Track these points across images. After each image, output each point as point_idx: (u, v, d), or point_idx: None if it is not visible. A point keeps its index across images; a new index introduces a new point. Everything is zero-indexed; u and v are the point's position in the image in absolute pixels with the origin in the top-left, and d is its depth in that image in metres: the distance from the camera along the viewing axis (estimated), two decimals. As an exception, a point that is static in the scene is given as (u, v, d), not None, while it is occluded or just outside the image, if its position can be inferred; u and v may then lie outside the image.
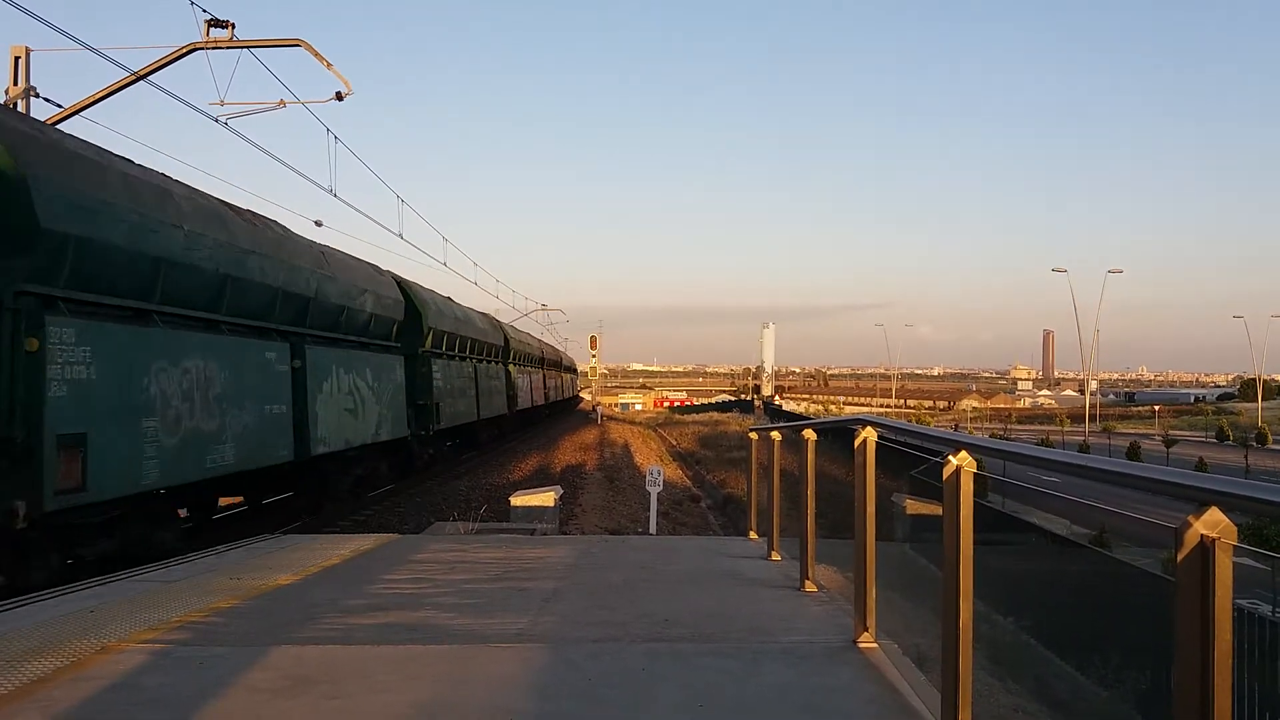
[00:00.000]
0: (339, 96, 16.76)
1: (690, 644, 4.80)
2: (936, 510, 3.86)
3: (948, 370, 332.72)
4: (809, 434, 6.38)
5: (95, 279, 8.34)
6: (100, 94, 15.30)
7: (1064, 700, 9.37)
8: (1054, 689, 9.50)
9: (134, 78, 14.94)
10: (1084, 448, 52.87)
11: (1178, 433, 64.53)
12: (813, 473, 6.29)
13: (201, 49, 15.46)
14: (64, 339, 7.69)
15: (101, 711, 3.71)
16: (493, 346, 29.20)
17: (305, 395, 12.72)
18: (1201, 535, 2.00)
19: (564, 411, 61.48)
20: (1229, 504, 2.00)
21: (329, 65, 16.44)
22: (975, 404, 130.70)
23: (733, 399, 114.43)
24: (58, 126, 12.67)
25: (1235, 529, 2.00)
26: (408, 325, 18.98)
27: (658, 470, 16.04)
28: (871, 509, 4.71)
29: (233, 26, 15.54)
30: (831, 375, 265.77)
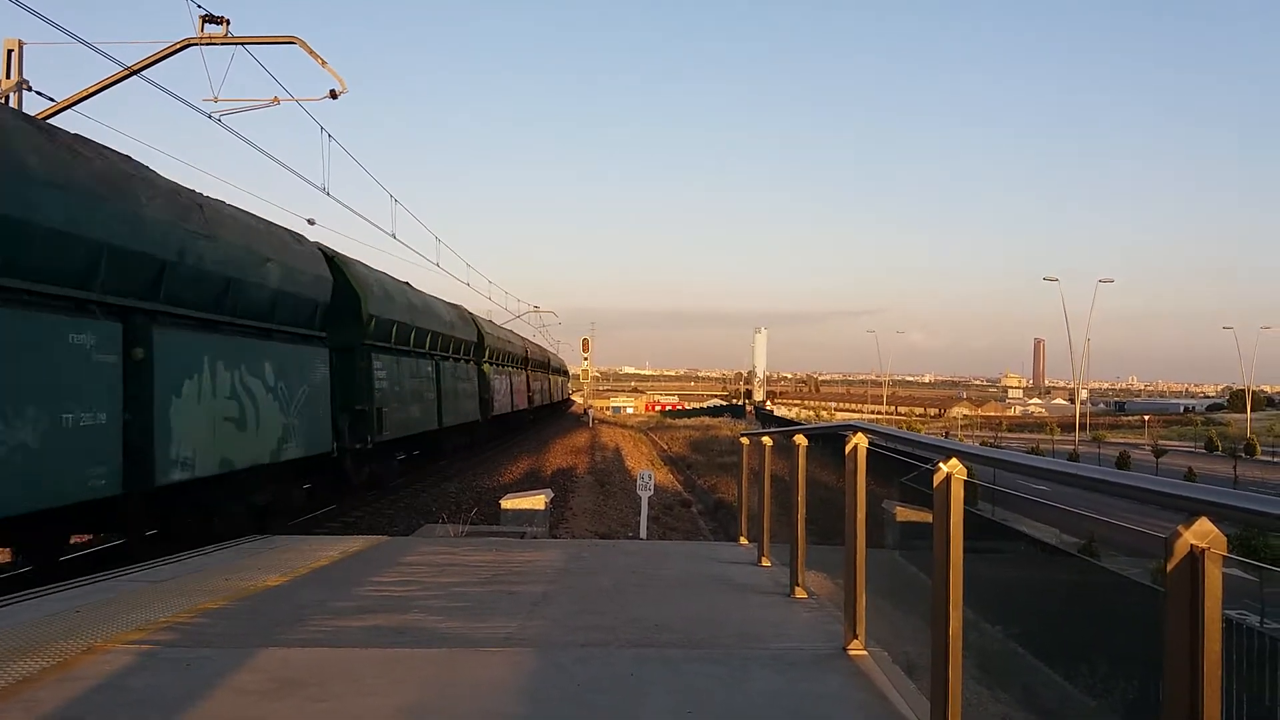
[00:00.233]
0: (333, 95, 16.75)
1: (679, 649, 4.79)
2: (927, 517, 3.86)
3: (939, 377, 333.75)
4: (800, 440, 6.38)
5: None
6: (93, 88, 15.26)
7: (1052, 709, 9.38)
8: (1042, 698, 9.51)
9: (128, 72, 14.91)
10: (1074, 456, 52.98)
11: (1167, 443, 64.66)
12: (803, 479, 6.29)
13: (196, 45, 15.44)
14: None
15: (88, 712, 3.68)
16: (463, 343, 25.70)
17: (150, 399, 9.22)
18: (1191, 545, 2.01)
19: (554, 416, 61.19)
20: (1218, 514, 2.01)
21: (324, 63, 16.44)
22: (966, 411, 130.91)
23: (724, 404, 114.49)
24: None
25: (1225, 539, 2.00)
26: (341, 311, 15.38)
27: (649, 474, 16.02)
28: (862, 515, 4.71)
29: (228, 23, 15.54)
30: (823, 381, 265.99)
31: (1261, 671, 7.24)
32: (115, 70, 14.82)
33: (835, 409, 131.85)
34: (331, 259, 15.65)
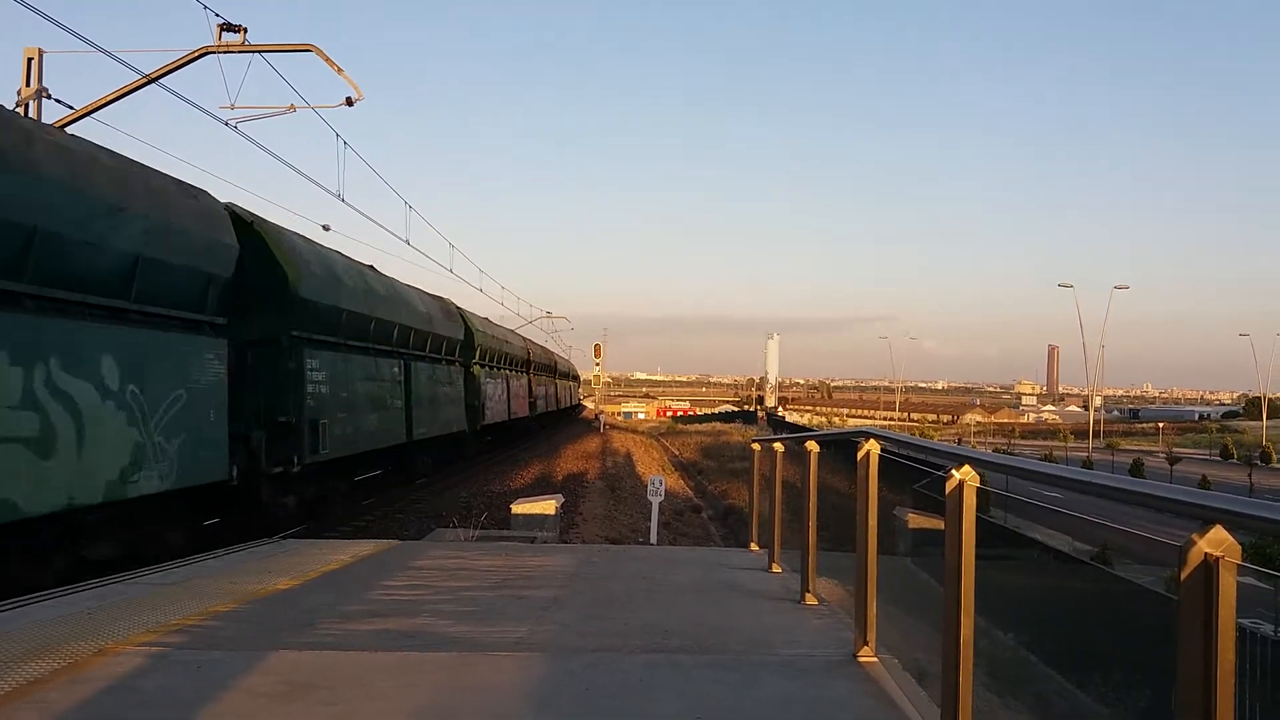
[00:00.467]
0: (349, 102, 16.83)
1: (689, 655, 4.78)
2: (939, 524, 3.85)
3: (952, 384, 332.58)
4: (812, 446, 6.37)
5: None
6: (112, 96, 15.36)
7: (1064, 717, 9.32)
8: (1054, 706, 9.45)
9: (146, 80, 15.02)
10: (1087, 464, 52.75)
11: (1182, 450, 64.35)
12: (815, 485, 6.27)
13: (213, 52, 15.53)
14: None
15: (98, 714, 3.70)
16: (445, 340, 22.39)
17: None
18: (1205, 554, 1.99)
19: (563, 422, 60.91)
20: (1233, 522, 1.99)
21: (340, 71, 16.52)
22: (979, 418, 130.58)
23: (736, 410, 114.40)
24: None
25: (1239, 548, 1.98)
26: (257, 292, 12.19)
27: (659, 480, 16.02)
28: (874, 522, 4.70)
29: (245, 31, 15.62)
30: (835, 387, 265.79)
31: (1276, 681, 7.18)
32: (134, 78, 14.94)
33: (848, 415, 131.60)
34: (249, 224, 12.36)
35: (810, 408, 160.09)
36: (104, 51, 12.80)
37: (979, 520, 3.37)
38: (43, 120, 12.99)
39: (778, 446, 8.13)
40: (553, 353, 56.38)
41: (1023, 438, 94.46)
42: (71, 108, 14.96)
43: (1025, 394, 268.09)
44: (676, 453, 44.85)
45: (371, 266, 18.07)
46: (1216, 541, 1.99)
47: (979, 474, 3.35)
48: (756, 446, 10.22)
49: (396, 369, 18.00)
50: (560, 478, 25.94)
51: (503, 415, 30.74)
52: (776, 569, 7.61)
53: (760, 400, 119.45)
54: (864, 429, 4.97)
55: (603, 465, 31.38)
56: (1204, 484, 38.07)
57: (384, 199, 25.99)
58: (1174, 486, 2.43)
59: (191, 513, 11.01)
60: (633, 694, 4.12)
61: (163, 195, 9.91)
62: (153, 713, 3.73)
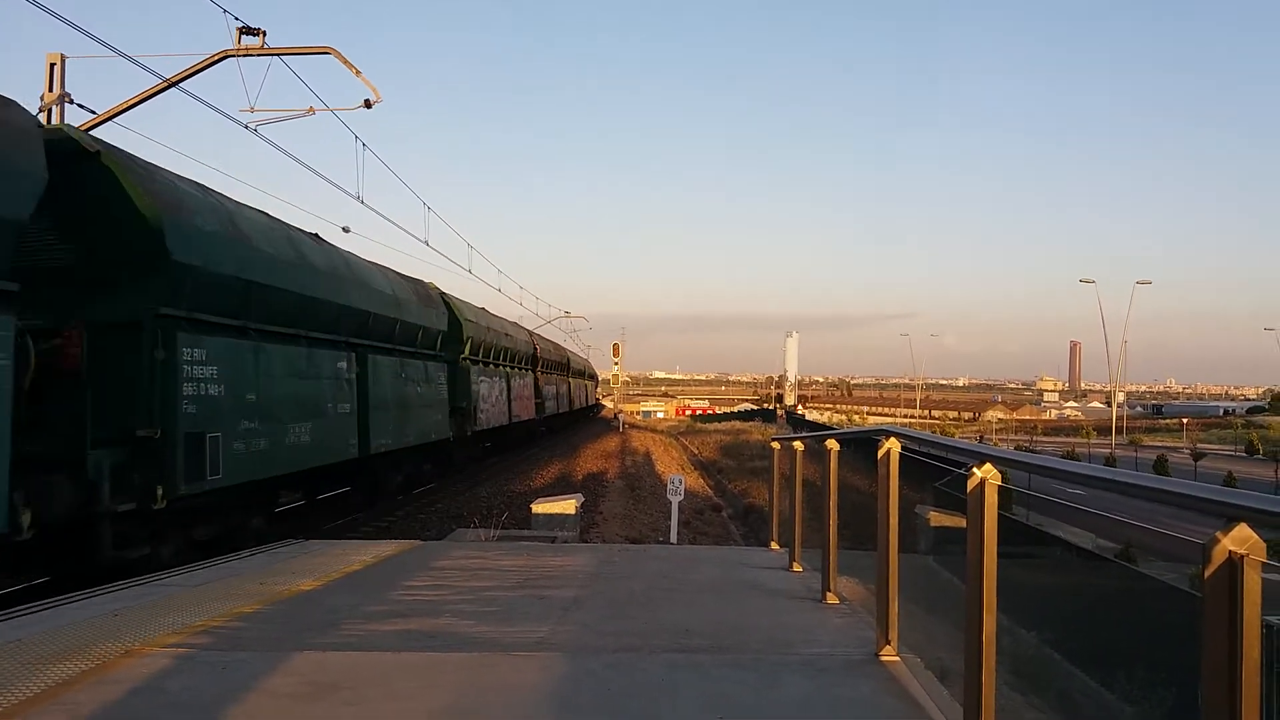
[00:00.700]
0: (368, 104, 16.91)
1: (710, 655, 4.78)
2: (961, 522, 3.83)
3: (973, 381, 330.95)
4: (832, 444, 6.35)
5: None
6: (133, 100, 15.51)
7: (1088, 716, 9.26)
8: (1078, 704, 9.39)
9: (167, 84, 15.15)
10: (1110, 460, 52.34)
11: (1206, 446, 63.70)
12: (835, 483, 6.26)
13: (233, 56, 15.65)
14: None
15: (126, 715, 3.74)
16: (420, 330, 18.64)
17: None
18: (1230, 551, 1.98)
19: (581, 422, 60.59)
20: (1258, 520, 1.98)
21: (358, 73, 16.60)
22: (1000, 415, 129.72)
23: (755, 408, 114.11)
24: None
25: (1264, 545, 1.97)
26: (91, 245, 9.09)
27: (679, 479, 16.01)
28: (895, 521, 4.68)
29: (264, 34, 15.73)
30: (855, 385, 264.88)
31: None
32: (155, 82, 15.08)
33: (868, 413, 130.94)
34: (94, 154, 9.10)
35: (830, 406, 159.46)
36: (125, 56, 12.94)
37: (1001, 518, 3.35)
38: (65, 124, 12.63)
39: (797, 445, 8.12)
40: (565, 349, 51.86)
41: (1045, 434, 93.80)
42: (94, 113, 15.13)
43: (1047, 390, 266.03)
44: (696, 452, 44.81)
45: (315, 235, 14.57)
46: (1241, 539, 1.98)
47: (1000, 472, 3.34)
48: (776, 445, 10.20)
49: (344, 364, 14.09)
50: (580, 477, 25.98)
51: (501, 419, 26.79)
52: (797, 568, 7.60)
53: (779, 398, 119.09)
54: (884, 427, 4.96)
55: (622, 464, 31.39)
56: (1229, 480, 37.69)
57: (403, 200, 26.08)
58: (1196, 484, 2.41)
59: None
60: (653, 694, 4.12)
61: None
62: (179, 714, 3.77)
